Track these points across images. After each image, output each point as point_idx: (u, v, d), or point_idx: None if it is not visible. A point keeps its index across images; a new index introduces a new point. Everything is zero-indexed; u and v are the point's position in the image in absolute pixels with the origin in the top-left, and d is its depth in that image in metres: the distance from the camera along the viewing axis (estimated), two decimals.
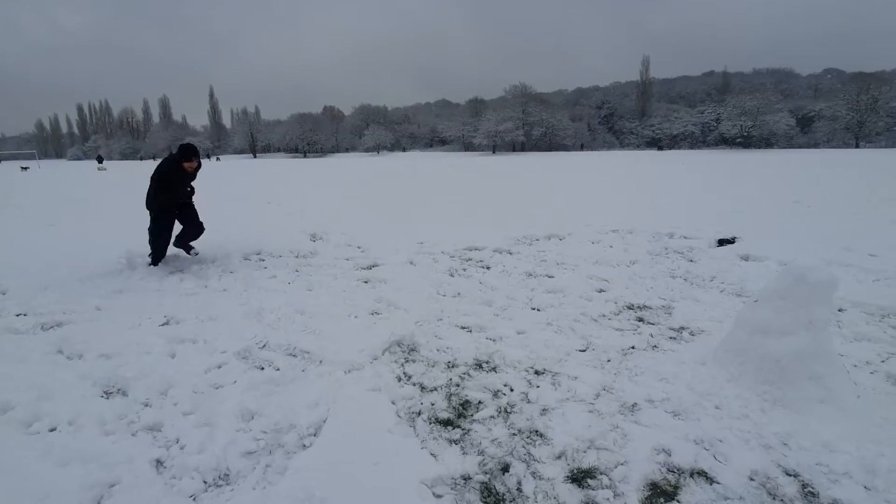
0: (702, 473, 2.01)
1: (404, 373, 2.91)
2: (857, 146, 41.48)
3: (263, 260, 5.72)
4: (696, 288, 4.56)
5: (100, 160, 43.77)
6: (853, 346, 3.19)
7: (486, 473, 2.02)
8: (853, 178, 14.85)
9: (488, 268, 5.37)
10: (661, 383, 2.72)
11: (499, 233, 6.99)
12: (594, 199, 10.84)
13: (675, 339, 3.36)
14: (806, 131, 50.66)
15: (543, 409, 2.49)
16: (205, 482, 2.00)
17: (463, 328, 3.62)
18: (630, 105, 72.03)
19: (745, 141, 44.53)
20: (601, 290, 4.46)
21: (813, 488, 1.92)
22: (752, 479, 1.97)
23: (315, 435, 2.29)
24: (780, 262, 5.29)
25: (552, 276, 4.97)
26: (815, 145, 44.01)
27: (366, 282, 4.90)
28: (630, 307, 4.03)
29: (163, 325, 3.67)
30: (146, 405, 2.55)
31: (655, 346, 3.22)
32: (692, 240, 6.52)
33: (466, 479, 1.99)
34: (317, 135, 70.50)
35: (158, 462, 2.12)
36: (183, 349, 3.20)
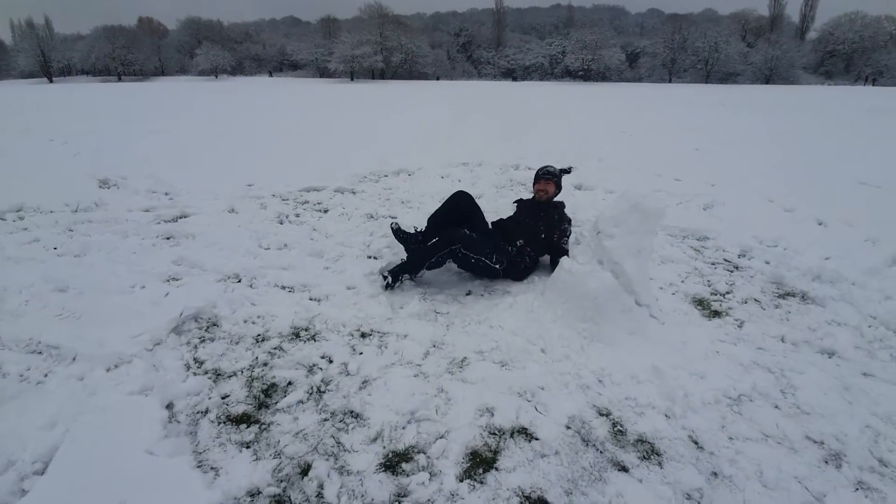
0: (522, 431, 1.90)
1: (195, 358, 2.33)
2: (670, 81, 47.88)
3: (23, 219, 4.32)
4: None
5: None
6: (659, 269, 3.46)
7: (280, 482, 1.65)
8: (666, 109, 16.97)
9: (326, 211, 4.79)
10: (493, 331, 2.60)
11: (343, 170, 6.32)
12: (448, 132, 10.60)
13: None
14: (633, 66, 56.70)
15: (364, 382, 2.17)
16: None
17: (284, 288, 3.09)
18: (487, 34, 72.36)
19: (586, 74, 48.28)
20: None
21: (622, 426, 1.94)
22: (568, 428, 1.92)
23: (43, 472, 1.65)
24: (606, 191, 5.67)
25: (395, 217, 4.61)
26: (640, 80, 49.69)
27: (168, 238, 3.98)
28: None
29: None
30: None
31: (490, 290, 3.09)
32: (534, 170, 6.67)
33: (254, 495, 1.59)
34: (133, 53, 57.66)
35: None
36: None
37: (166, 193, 5.29)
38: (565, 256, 2.64)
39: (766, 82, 45.00)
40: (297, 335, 2.55)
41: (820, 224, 4.49)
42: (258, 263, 3.41)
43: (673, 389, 2.08)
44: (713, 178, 6.25)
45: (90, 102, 17.13)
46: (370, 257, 3.64)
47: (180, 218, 4.47)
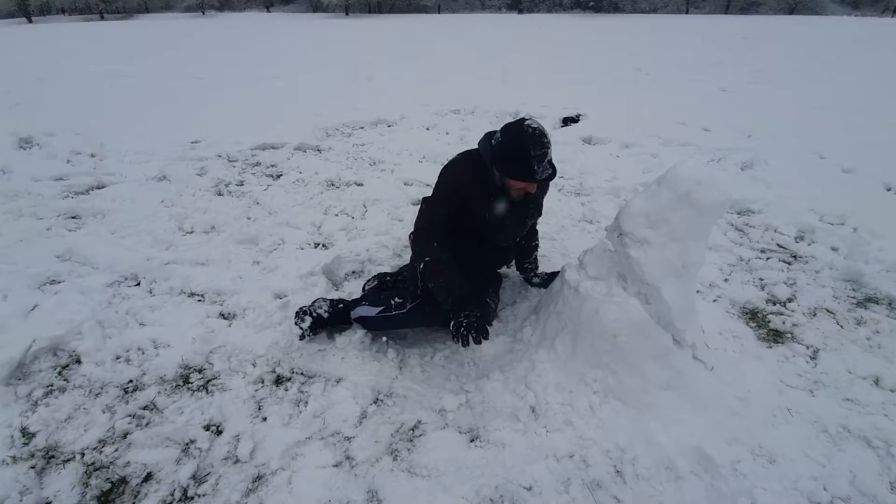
0: None
1: (23, 429, 1.59)
2: (687, 12, 44.27)
3: None
4: None
5: None
6: None
7: None
8: (686, 44, 15.28)
9: (278, 176, 3.91)
10: (463, 371, 1.83)
11: (310, 121, 5.34)
12: (441, 74, 9.36)
13: None
14: None
15: (257, 479, 1.43)
16: None
17: (191, 296, 2.31)
18: None
19: (597, 5, 44.63)
20: (415, 203, 3.38)
21: None
22: None
23: None
24: (621, 145, 4.71)
25: (361, 185, 3.74)
26: (655, 10, 45.94)
27: (73, 218, 3.17)
28: None
29: None
30: None
31: None
32: (537, 118, 5.66)
33: None
34: None
35: None
36: None
37: (92, 155, 4.39)
38: (569, 267, 1.81)
39: (790, 13, 41.41)
40: (186, 380, 1.79)
41: (889, 190, 3.58)
42: (168, 256, 2.61)
43: (733, 493, 1.34)
44: (748, 127, 5.24)
45: (55, 45, 15.64)
46: (318, 245, 2.82)
47: (94, 189, 3.62)
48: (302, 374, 1.82)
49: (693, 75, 8.89)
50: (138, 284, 2.41)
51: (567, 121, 5.59)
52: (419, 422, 1.62)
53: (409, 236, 1.84)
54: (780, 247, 2.80)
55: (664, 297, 1.51)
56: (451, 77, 8.78)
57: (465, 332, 1.58)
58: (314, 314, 1.92)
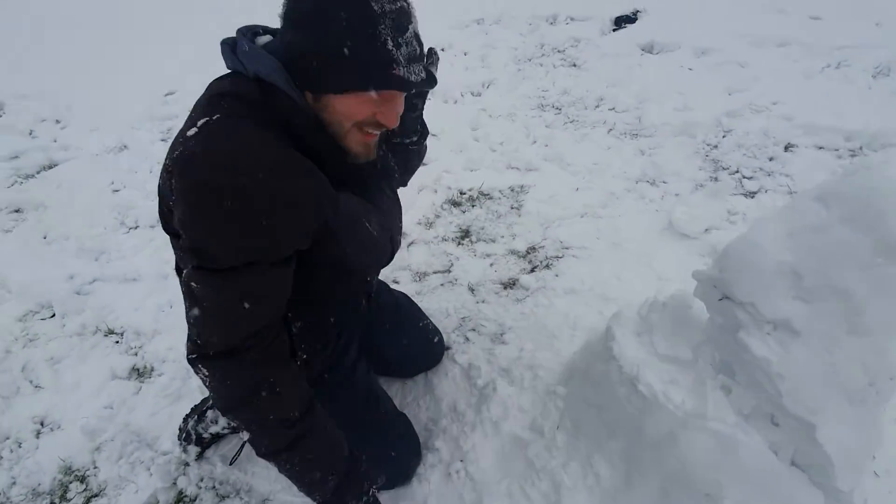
0: None
1: None
2: None
3: None
4: (571, 129, 2.78)
5: None
6: None
7: None
8: None
9: None
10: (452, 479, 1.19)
11: None
12: None
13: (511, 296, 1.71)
14: None
15: None
16: None
17: (109, 334, 1.76)
18: None
19: None
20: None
21: None
22: None
23: None
24: (695, 51, 3.52)
25: None
26: None
27: (15, 211, 2.68)
28: (453, 202, 2.25)
29: None
30: None
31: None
32: (581, 22, 4.42)
33: None
34: None
35: None
36: None
37: (57, 121, 3.83)
38: (619, 325, 1.01)
39: None
40: (63, 497, 1.28)
41: None
42: (94, 271, 2.06)
43: None
44: (877, 9, 3.80)
45: None
46: None
47: (45, 170, 3.08)
48: (214, 489, 1.25)
49: None
50: (53, 317, 1.89)
51: (620, 21, 4.32)
52: None
53: (196, 365, 0.80)
54: None
55: (821, 441, 0.74)
56: None
57: None
58: (198, 437, 1.27)
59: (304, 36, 0.74)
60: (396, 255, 1.90)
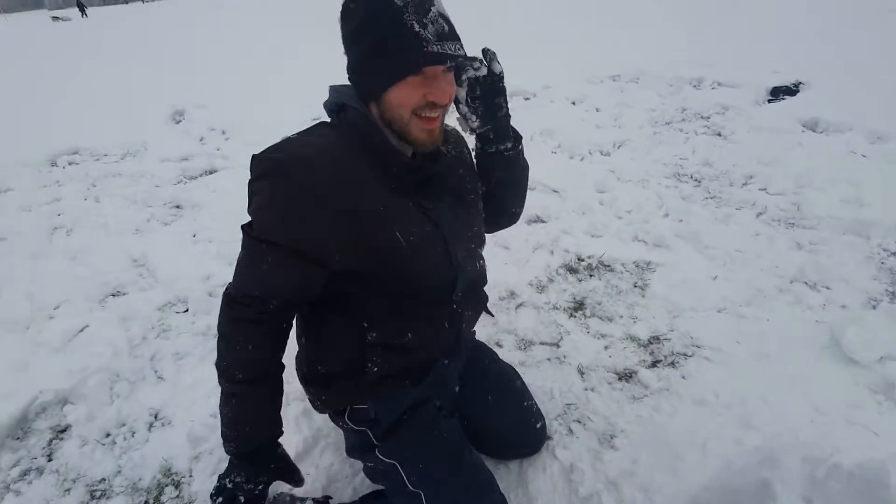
0: None
1: None
2: None
3: (64, 167, 3.79)
4: (712, 205, 2.52)
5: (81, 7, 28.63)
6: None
7: None
8: None
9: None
10: None
11: None
12: (590, 18, 7.75)
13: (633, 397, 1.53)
14: None
15: None
16: None
17: None
18: None
19: None
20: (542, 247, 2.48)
21: None
22: None
23: None
24: (871, 134, 3.05)
25: None
26: None
27: (176, 207, 3.08)
28: (569, 268, 2.12)
29: None
30: None
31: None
32: (731, 89, 4.11)
33: None
34: None
35: None
36: None
37: (223, 132, 4.41)
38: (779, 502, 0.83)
39: None
40: (157, 499, 1.35)
41: None
42: (228, 276, 2.25)
43: None
44: None
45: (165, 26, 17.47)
46: None
47: (206, 174, 3.53)
48: None
49: None
50: (186, 311, 2.09)
51: (778, 92, 3.94)
52: None
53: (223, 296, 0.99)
54: None
55: None
56: (605, 20, 7.19)
57: None
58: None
59: (351, 54, 0.89)
60: (503, 317, 1.85)
